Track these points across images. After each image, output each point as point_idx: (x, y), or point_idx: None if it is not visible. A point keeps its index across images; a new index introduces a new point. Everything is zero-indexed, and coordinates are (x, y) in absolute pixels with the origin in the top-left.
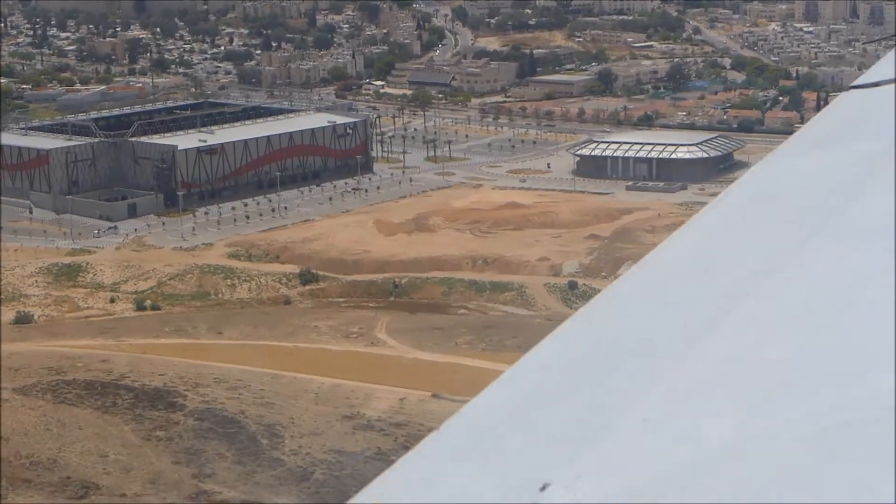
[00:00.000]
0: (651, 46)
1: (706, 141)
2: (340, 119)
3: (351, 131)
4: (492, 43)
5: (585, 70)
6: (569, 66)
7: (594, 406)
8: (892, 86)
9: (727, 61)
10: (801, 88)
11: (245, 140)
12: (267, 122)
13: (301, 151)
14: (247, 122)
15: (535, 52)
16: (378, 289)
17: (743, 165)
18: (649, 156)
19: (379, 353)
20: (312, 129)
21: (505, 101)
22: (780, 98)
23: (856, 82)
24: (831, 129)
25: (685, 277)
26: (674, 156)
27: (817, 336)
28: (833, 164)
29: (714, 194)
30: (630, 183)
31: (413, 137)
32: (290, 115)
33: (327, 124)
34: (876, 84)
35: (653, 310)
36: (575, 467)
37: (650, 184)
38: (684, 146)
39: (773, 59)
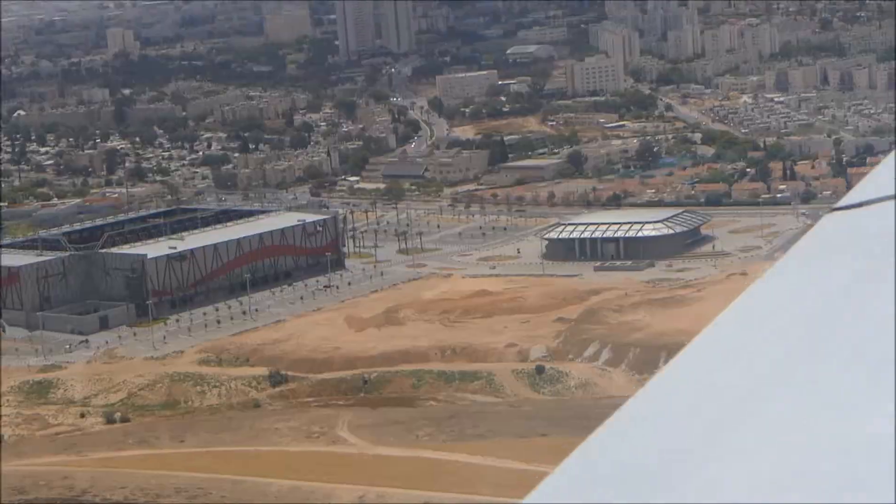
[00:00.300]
0: (623, 126)
1: (672, 217)
2: (311, 217)
3: (321, 229)
4: (467, 132)
5: (557, 153)
6: (541, 151)
7: None
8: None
9: (698, 136)
10: (768, 159)
11: (215, 244)
12: (238, 224)
13: (272, 252)
14: (217, 226)
15: (507, 138)
16: (348, 385)
17: (710, 239)
18: (616, 235)
19: (339, 452)
20: (282, 229)
21: (476, 189)
22: (748, 170)
23: (838, 204)
24: (816, 252)
25: (683, 409)
26: (640, 234)
27: (813, 461)
28: (820, 286)
29: (682, 270)
30: (598, 264)
31: (385, 231)
32: (261, 216)
33: (297, 223)
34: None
35: (652, 440)
36: None
37: (618, 263)
38: (650, 223)
39: (742, 131)
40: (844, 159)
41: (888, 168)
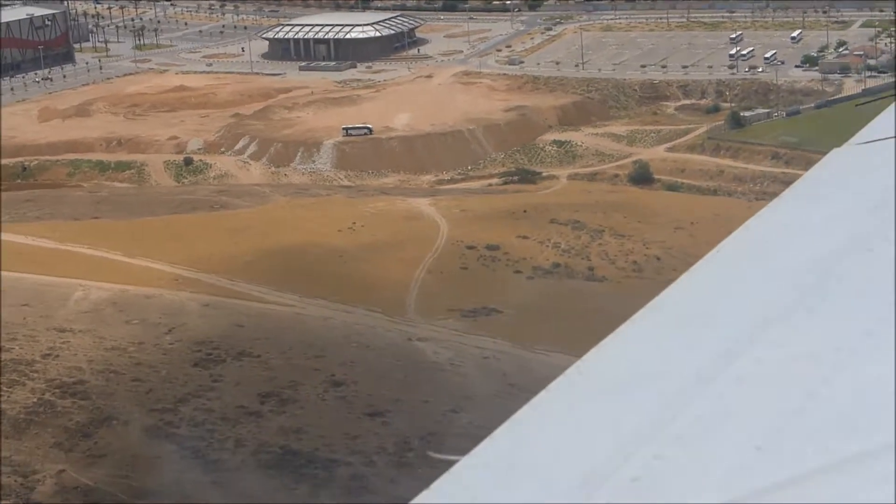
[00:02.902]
0: None
1: (383, 21)
2: (40, 11)
3: (50, 23)
4: None
5: None
6: None
7: (586, 463)
8: (891, 141)
9: None
10: None
11: None
12: None
13: None
14: None
15: None
16: (7, 172)
17: (423, 42)
18: (327, 37)
19: None
20: (8, 23)
21: None
22: None
23: (851, 140)
24: (828, 183)
25: (689, 326)
26: (349, 35)
27: (818, 386)
28: (832, 216)
29: (379, 71)
30: (304, 63)
31: (133, 27)
32: None
33: (24, 17)
34: (869, 142)
35: (648, 364)
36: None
37: (322, 63)
38: (360, 26)
39: None
40: None
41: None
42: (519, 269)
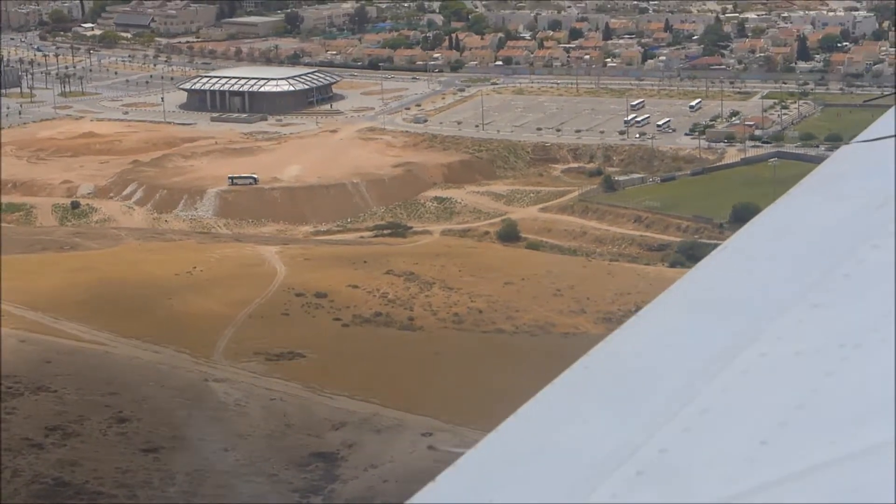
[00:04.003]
0: None
1: (299, 76)
2: None
3: None
4: None
5: (279, 12)
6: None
7: (591, 457)
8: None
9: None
10: (447, 30)
11: None
12: None
13: None
14: None
15: None
16: None
17: (339, 98)
18: (242, 89)
19: None
20: None
21: (189, 42)
22: (427, 36)
23: (857, 138)
24: (835, 179)
25: (694, 321)
26: (263, 89)
27: (824, 379)
28: (837, 212)
29: (287, 125)
30: (216, 115)
31: (68, 75)
32: None
33: None
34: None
35: (654, 357)
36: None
37: (234, 115)
38: (275, 80)
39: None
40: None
41: None
42: (339, 316)
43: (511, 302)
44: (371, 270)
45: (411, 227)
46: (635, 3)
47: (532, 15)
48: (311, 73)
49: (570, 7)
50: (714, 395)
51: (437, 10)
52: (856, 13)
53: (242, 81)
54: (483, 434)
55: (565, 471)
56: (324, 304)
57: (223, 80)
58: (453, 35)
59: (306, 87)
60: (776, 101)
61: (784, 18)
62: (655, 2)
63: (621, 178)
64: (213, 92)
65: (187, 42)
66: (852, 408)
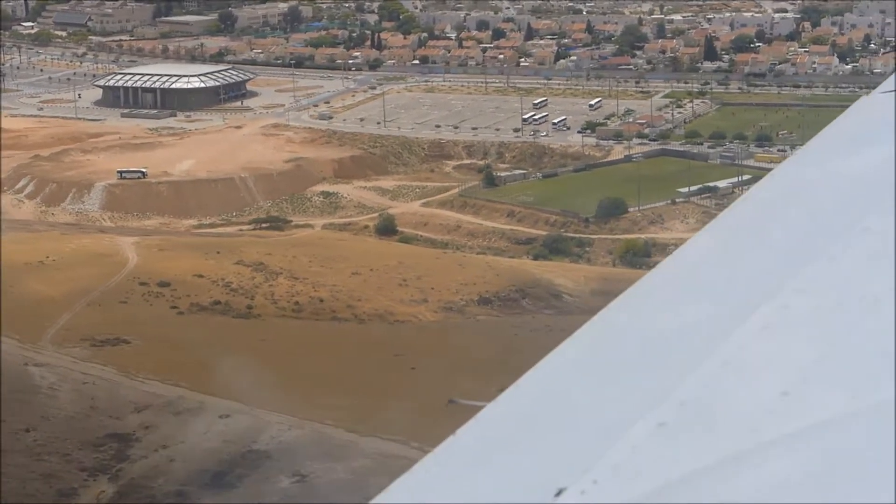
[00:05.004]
0: None
1: (211, 73)
2: None
3: None
4: None
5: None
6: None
7: (611, 411)
8: None
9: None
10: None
11: None
12: None
13: None
14: None
15: None
16: None
17: (252, 95)
18: (155, 86)
19: None
20: None
21: (120, 40)
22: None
23: (879, 88)
24: (857, 131)
25: (705, 283)
26: (174, 85)
27: (838, 338)
28: (856, 166)
29: (195, 120)
30: (127, 111)
31: None
32: None
33: None
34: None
35: (672, 313)
36: (590, 473)
37: (144, 111)
38: (187, 76)
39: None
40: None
41: None
42: (176, 304)
43: (354, 291)
44: (221, 260)
45: (291, 221)
46: (570, 4)
47: (462, 16)
48: (225, 70)
49: (507, 8)
50: (734, 349)
51: (376, 11)
52: (775, 14)
53: (155, 78)
54: (279, 416)
55: (585, 425)
56: (164, 293)
57: (136, 77)
58: (375, 34)
59: (218, 83)
60: (672, 100)
61: (709, 20)
62: (592, 3)
63: (504, 174)
64: (126, 88)
65: (119, 40)
66: (873, 361)
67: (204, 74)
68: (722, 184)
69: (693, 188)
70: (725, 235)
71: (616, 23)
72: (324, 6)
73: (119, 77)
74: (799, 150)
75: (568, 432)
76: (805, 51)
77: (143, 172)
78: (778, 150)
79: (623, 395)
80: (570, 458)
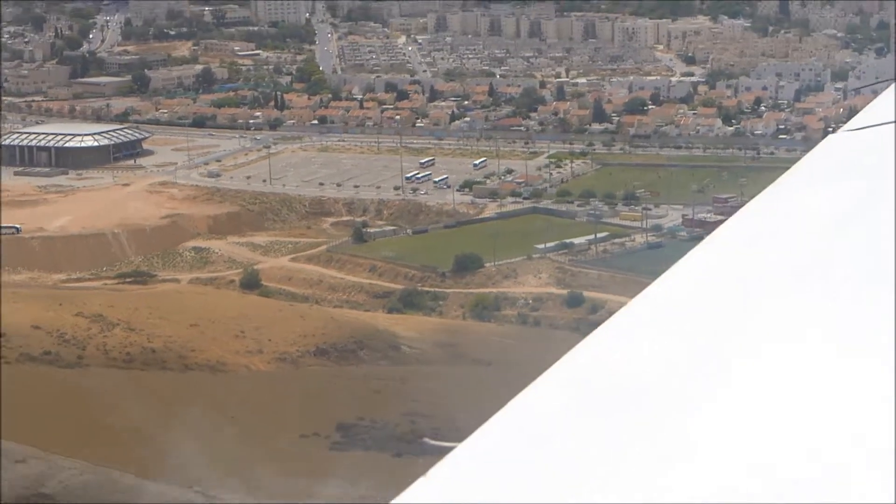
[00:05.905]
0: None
1: (106, 132)
2: None
3: None
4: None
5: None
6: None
7: (587, 450)
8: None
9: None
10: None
11: None
12: None
13: None
14: None
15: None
16: None
17: (148, 153)
18: (49, 144)
19: None
20: None
21: (32, 101)
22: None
23: (845, 127)
24: (825, 169)
25: (678, 326)
26: (67, 145)
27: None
28: (828, 203)
29: (85, 178)
30: (20, 168)
31: None
32: None
33: None
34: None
35: (646, 354)
36: None
37: (36, 169)
38: (81, 136)
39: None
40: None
41: (889, 97)
42: (5, 354)
43: (189, 342)
44: (62, 312)
45: (156, 276)
46: (485, 67)
47: (373, 78)
48: (121, 129)
49: (425, 71)
50: (703, 394)
51: (293, 73)
52: (672, 78)
53: (50, 137)
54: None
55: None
56: None
57: (32, 136)
58: (280, 94)
59: (111, 142)
60: (554, 160)
61: (612, 83)
62: (506, 67)
63: (372, 230)
64: (21, 147)
65: (30, 101)
66: (847, 398)
67: (98, 133)
68: (579, 240)
69: (550, 244)
70: (697, 272)
71: (519, 85)
72: (243, 68)
73: (15, 136)
74: (773, 184)
75: (541, 472)
76: (693, 113)
77: (17, 228)
78: (643, 209)
79: (598, 435)
80: (544, 499)
